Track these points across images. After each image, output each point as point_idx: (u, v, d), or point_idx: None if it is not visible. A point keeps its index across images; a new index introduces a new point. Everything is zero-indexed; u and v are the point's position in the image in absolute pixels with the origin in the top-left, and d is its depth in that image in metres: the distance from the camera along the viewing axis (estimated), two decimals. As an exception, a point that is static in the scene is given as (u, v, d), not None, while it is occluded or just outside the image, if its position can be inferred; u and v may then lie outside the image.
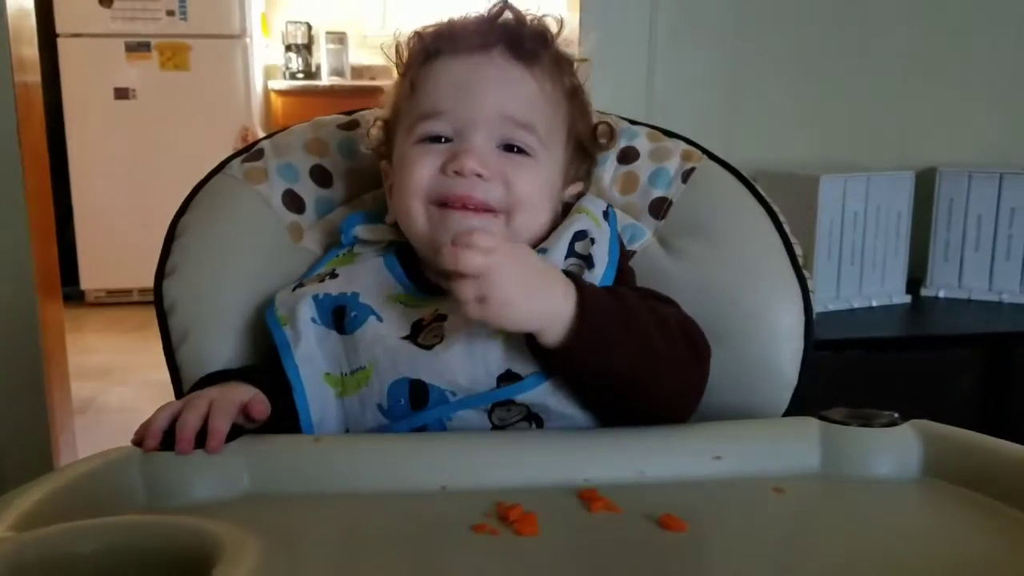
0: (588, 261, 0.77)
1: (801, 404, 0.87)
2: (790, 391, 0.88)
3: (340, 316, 0.76)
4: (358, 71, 4.37)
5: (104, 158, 3.81)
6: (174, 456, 0.63)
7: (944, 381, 1.56)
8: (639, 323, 0.70)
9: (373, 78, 4.38)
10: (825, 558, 0.57)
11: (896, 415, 0.71)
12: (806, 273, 0.92)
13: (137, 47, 3.81)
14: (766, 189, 0.98)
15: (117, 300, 3.89)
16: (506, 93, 0.78)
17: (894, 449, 0.68)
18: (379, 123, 0.87)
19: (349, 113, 0.98)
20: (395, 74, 0.85)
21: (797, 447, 0.69)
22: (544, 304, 0.67)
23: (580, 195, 0.86)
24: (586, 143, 0.86)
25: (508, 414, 0.73)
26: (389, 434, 0.72)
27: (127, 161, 3.82)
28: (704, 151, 0.98)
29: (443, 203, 0.77)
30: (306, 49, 4.27)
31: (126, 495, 0.61)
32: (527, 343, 0.70)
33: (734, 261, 0.89)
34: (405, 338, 0.74)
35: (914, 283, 1.76)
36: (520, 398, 0.72)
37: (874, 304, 1.70)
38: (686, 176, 0.94)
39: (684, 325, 0.75)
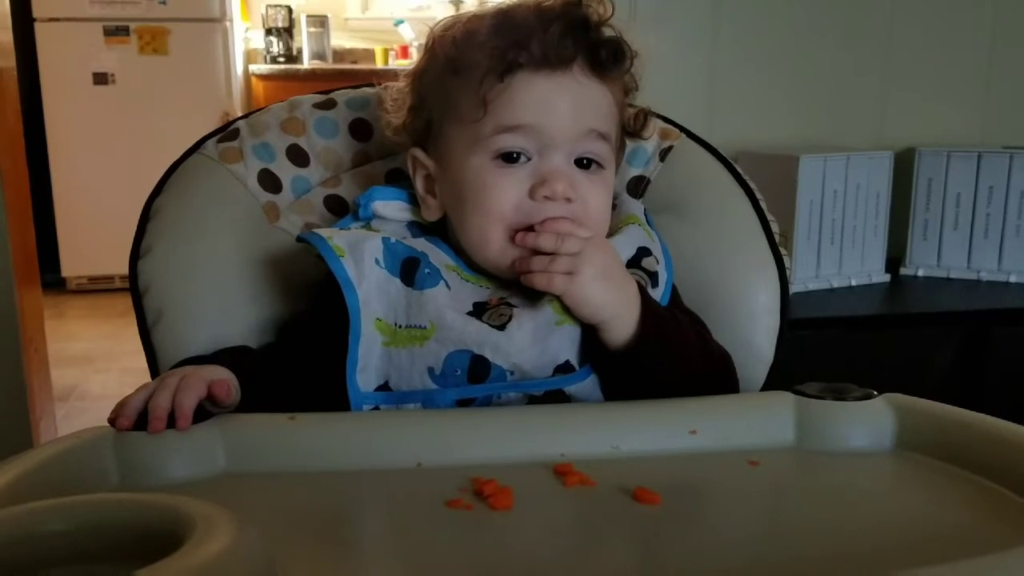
0: (654, 279, 0.79)
1: (780, 382, 0.88)
2: (766, 368, 0.89)
3: (411, 268, 0.76)
4: (339, 55, 4.35)
5: (83, 144, 3.78)
6: (148, 436, 0.63)
7: (923, 359, 1.58)
8: (688, 345, 0.76)
9: (355, 62, 4.35)
10: (799, 530, 0.58)
11: (874, 392, 0.72)
12: (782, 251, 0.93)
13: (116, 31, 3.77)
14: (747, 169, 0.98)
15: (99, 287, 3.86)
16: (588, 110, 0.76)
17: (868, 422, 0.69)
18: (408, 105, 0.82)
19: (326, 93, 0.97)
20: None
21: (772, 421, 0.69)
22: (618, 298, 0.72)
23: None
24: (627, 132, 0.86)
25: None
26: (365, 412, 0.72)
27: (107, 147, 3.78)
28: (682, 129, 0.98)
29: (528, 229, 0.74)
30: (287, 33, 4.23)
31: (99, 475, 0.60)
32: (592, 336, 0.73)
33: (711, 239, 0.89)
34: (469, 314, 0.74)
35: (893, 262, 1.77)
36: (570, 390, 0.74)
37: (853, 283, 1.71)
38: (663, 154, 0.95)
39: (725, 360, 0.80)
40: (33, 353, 1.90)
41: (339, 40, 4.36)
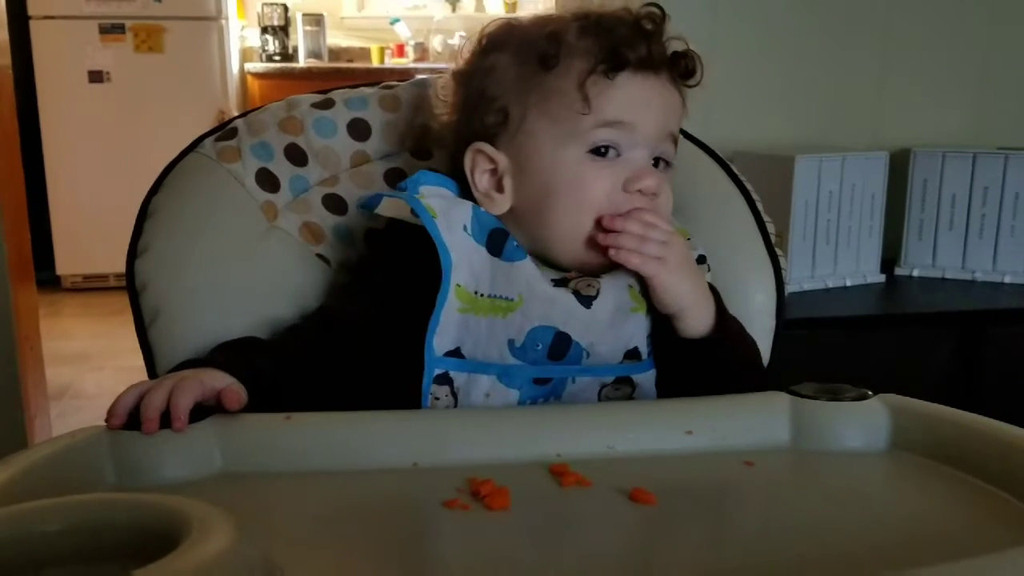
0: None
1: (775, 382, 0.88)
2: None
3: (499, 239, 0.76)
4: (335, 53, 4.34)
5: (79, 142, 3.77)
6: (143, 435, 0.62)
7: (918, 359, 1.58)
8: (747, 343, 0.83)
9: (351, 60, 4.35)
10: (794, 530, 0.58)
11: (869, 393, 0.72)
12: (778, 252, 0.93)
13: (111, 29, 3.76)
14: (742, 169, 0.98)
15: (93, 285, 3.86)
16: (671, 114, 0.80)
17: (863, 422, 0.69)
18: (485, 101, 0.80)
19: (324, 92, 0.97)
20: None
21: (767, 421, 0.70)
22: (697, 288, 0.77)
23: None
24: None
25: (616, 393, 0.78)
26: (363, 412, 0.71)
27: (102, 145, 3.78)
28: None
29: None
30: (283, 31, 4.23)
31: (95, 475, 0.60)
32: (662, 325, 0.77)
33: (707, 239, 0.89)
34: (556, 286, 0.76)
35: (888, 262, 1.77)
36: (637, 378, 0.77)
37: (849, 283, 1.71)
38: (660, 155, 0.95)
39: (760, 363, 0.86)
40: (28, 351, 1.90)
41: (335, 39, 4.36)
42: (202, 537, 0.44)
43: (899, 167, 1.75)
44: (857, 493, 0.64)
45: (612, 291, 0.76)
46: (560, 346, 0.75)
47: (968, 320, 1.59)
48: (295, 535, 0.55)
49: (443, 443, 0.66)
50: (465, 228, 0.76)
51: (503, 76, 0.79)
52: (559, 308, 0.75)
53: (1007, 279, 1.72)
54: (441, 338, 0.75)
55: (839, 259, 1.70)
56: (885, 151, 1.73)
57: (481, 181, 0.80)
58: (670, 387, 0.79)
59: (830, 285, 1.69)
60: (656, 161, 0.79)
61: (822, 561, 0.53)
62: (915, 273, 1.78)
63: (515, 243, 0.77)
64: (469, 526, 0.56)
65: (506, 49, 0.80)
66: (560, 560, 0.53)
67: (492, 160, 0.80)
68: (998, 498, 0.60)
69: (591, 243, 0.76)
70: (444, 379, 0.75)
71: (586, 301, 0.75)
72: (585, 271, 0.78)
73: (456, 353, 0.76)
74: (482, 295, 0.75)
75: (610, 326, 0.76)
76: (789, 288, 1.56)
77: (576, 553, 0.54)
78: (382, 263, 0.82)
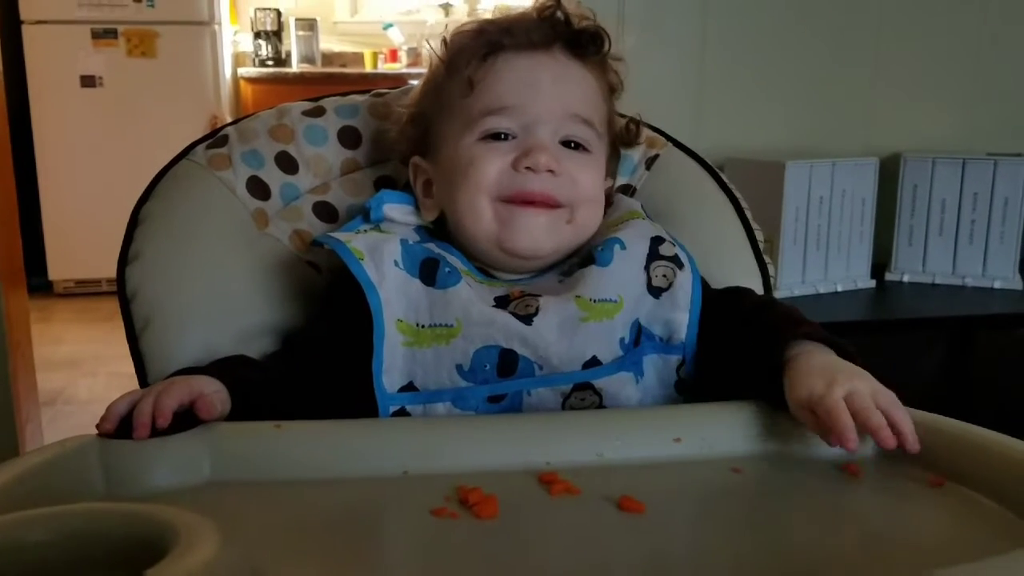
0: (676, 261, 0.80)
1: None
2: (751, 375, 0.89)
3: (430, 268, 0.77)
4: (328, 58, 4.34)
5: (71, 147, 3.76)
6: (133, 444, 0.63)
7: (908, 364, 1.59)
8: None
9: (344, 65, 4.35)
10: (782, 537, 0.58)
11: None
12: (767, 259, 0.93)
13: (104, 34, 3.75)
14: (733, 175, 0.99)
15: (85, 290, 3.85)
16: (569, 91, 0.80)
17: (850, 430, 0.69)
18: (408, 117, 0.86)
19: (315, 99, 0.97)
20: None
21: (755, 428, 0.70)
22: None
23: (609, 190, 0.88)
24: (618, 139, 0.88)
25: (582, 403, 0.75)
26: (352, 420, 0.71)
27: (94, 150, 3.77)
28: (668, 138, 0.99)
29: (511, 200, 0.78)
30: (276, 36, 4.23)
31: (84, 484, 0.60)
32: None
33: (695, 247, 0.89)
34: (495, 307, 0.75)
35: (879, 268, 1.78)
36: (598, 383, 0.75)
37: (839, 288, 1.71)
38: (650, 163, 0.96)
39: None
40: (19, 357, 1.89)
41: (328, 43, 4.36)
42: (190, 547, 0.44)
43: (889, 173, 1.76)
44: (844, 501, 0.64)
45: (555, 305, 0.75)
46: (508, 363, 0.74)
47: (958, 325, 1.61)
48: (283, 544, 0.55)
49: (433, 451, 0.66)
50: (396, 263, 0.76)
51: (426, 92, 0.85)
52: (498, 327, 0.74)
53: (997, 284, 1.73)
54: (391, 375, 0.75)
55: (829, 265, 1.70)
56: (875, 157, 1.74)
57: (419, 191, 0.84)
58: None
59: (821, 291, 1.70)
60: (573, 145, 0.79)
61: (810, 569, 0.53)
62: (905, 278, 1.78)
63: (447, 269, 0.77)
64: (457, 535, 0.56)
65: (435, 64, 0.85)
66: (548, 569, 0.53)
67: (425, 170, 0.84)
68: (986, 506, 0.60)
69: (492, 226, 0.78)
70: (401, 414, 0.75)
71: (526, 320, 0.74)
72: (514, 267, 0.80)
73: (410, 387, 0.75)
74: (423, 326, 0.75)
75: (559, 338, 0.74)
76: (779, 294, 1.57)
77: (564, 562, 0.54)
78: (328, 309, 0.82)
